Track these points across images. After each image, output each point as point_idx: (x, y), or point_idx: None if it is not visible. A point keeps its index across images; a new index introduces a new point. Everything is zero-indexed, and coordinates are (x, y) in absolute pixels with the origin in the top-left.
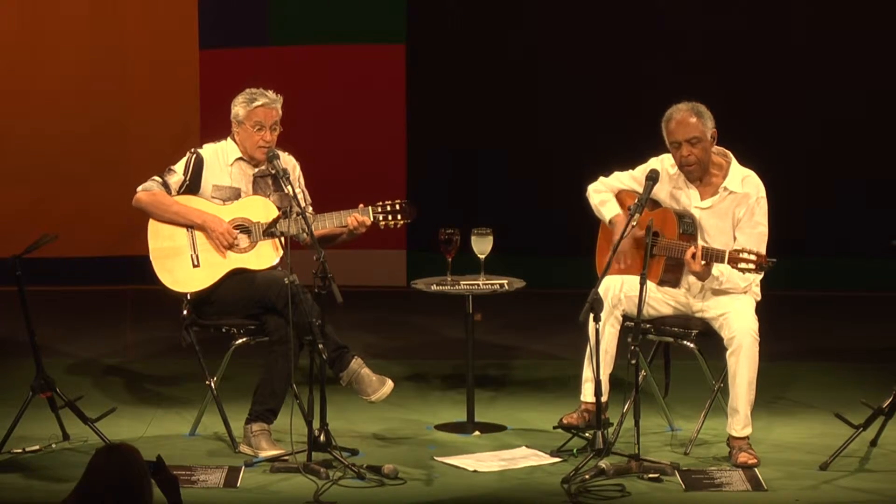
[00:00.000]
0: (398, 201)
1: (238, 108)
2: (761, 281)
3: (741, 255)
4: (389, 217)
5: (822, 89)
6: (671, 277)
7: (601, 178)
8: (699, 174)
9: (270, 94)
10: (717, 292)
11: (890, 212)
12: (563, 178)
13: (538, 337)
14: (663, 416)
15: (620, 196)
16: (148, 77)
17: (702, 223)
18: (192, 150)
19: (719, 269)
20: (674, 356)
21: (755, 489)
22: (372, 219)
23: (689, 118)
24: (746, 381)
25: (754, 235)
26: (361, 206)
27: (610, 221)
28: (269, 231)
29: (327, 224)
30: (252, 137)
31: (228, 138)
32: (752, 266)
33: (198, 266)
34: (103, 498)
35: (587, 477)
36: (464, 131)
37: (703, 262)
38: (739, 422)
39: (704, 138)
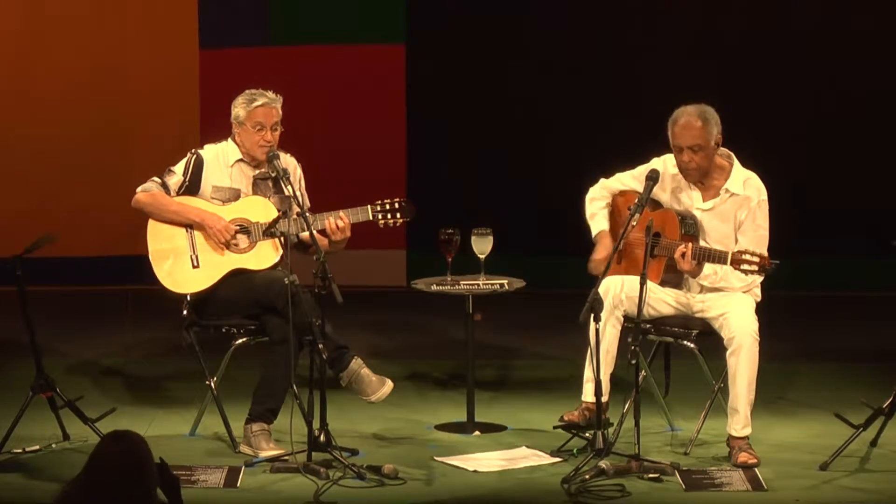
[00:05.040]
0: (397, 200)
1: (238, 109)
2: (762, 281)
3: (744, 257)
4: (389, 216)
5: (823, 89)
6: (673, 277)
7: (602, 181)
8: (699, 179)
9: (270, 94)
10: (717, 290)
11: (890, 212)
12: (563, 178)
13: (538, 337)
14: (663, 416)
15: (618, 199)
16: (148, 77)
17: (703, 225)
18: (193, 150)
19: (713, 268)
20: (674, 356)
21: (755, 489)
22: (371, 218)
23: (694, 124)
24: (746, 380)
25: (755, 238)
26: (351, 210)
27: (594, 238)
28: (269, 231)
29: (321, 225)
30: (253, 137)
31: (229, 139)
32: (754, 268)
33: (197, 267)
34: (109, 482)
35: (587, 477)
36: (464, 131)
37: (694, 262)
38: (739, 421)
39: (707, 146)
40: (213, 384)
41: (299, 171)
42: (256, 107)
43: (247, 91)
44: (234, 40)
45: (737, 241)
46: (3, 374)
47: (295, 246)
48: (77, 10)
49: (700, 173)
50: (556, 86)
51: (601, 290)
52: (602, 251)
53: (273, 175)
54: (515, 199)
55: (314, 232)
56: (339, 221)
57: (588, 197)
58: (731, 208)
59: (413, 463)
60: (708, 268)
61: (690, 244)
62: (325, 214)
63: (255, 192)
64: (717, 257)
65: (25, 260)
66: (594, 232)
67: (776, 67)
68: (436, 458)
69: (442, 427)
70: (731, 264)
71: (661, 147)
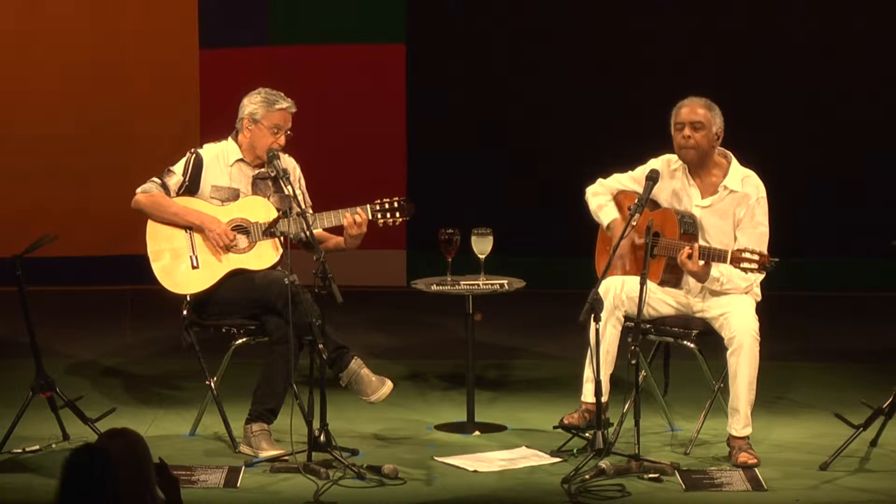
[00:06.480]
0: (396, 199)
1: (256, 107)
2: (761, 281)
3: (744, 255)
4: (388, 215)
5: (823, 89)
6: (672, 277)
7: (600, 180)
8: (696, 163)
9: (285, 97)
10: (718, 292)
11: (890, 212)
12: (563, 178)
13: (538, 337)
14: (663, 416)
15: (618, 198)
16: (148, 77)
17: (702, 223)
18: (192, 150)
19: (719, 270)
20: (674, 356)
21: (755, 489)
22: (371, 217)
23: (699, 106)
24: (747, 380)
25: (755, 235)
26: (359, 208)
27: (608, 226)
28: (269, 231)
29: (326, 223)
30: (266, 139)
31: (230, 138)
32: (754, 266)
33: (197, 267)
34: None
35: (587, 477)
36: (464, 131)
37: (701, 262)
38: (739, 421)
39: (708, 128)
40: (213, 384)
41: (298, 170)
42: (278, 110)
43: (263, 90)
44: (234, 40)
45: (736, 238)
46: (3, 374)
47: (302, 244)
48: (77, 9)
49: (698, 155)
50: (556, 86)
51: (601, 290)
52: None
53: (273, 175)
54: (515, 199)
55: (314, 232)
56: (356, 217)
57: (590, 191)
58: (730, 206)
59: (413, 463)
60: (713, 271)
61: (697, 245)
62: (325, 214)
63: (254, 192)
64: (718, 256)
65: (25, 260)
66: (606, 222)
67: (776, 68)
68: (436, 458)
69: (442, 427)
70: (731, 262)
71: (661, 147)
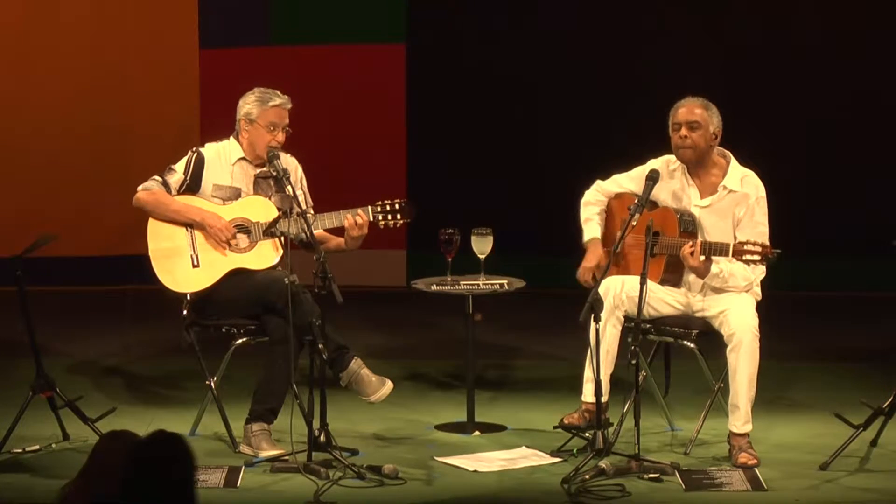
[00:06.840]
0: (397, 201)
1: (251, 107)
2: (762, 280)
3: (745, 247)
4: (389, 217)
5: (822, 89)
6: (672, 277)
7: (598, 183)
8: (694, 163)
9: (281, 94)
10: (718, 290)
11: (890, 212)
12: (563, 178)
13: (538, 337)
14: (663, 416)
15: (613, 204)
16: (148, 77)
17: (701, 222)
18: (194, 149)
19: (719, 266)
20: (674, 356)
21: (755, 489)
22: (371, 218)
23: (696, 105)
24: (746, 377)
25: (754, 234)
26: (360, 209)
27: (585, 244)
28: (270, 231)
29: (327, 224)
30: (264, 137)
31: (231, 138)
32: (756, 257)
33: (197, 266)
34: (108, 480)
35: (587, 477)
36: (464, 131)
37: (701, 258)
38: (740, 418)
39: (705, 128)
40: (213, 384)
41: (300, 170)
42: (272, 106)
43: (257, 89)
44: (234, 40)
45: (735, 238)
46: (3, 374)
47: (302, 245)
48: (77, 10)
49: (695, 155)
50: (556, 86)
51: (601, 290)
52: (592, 259)
53: (274, 174)
54: (515, 199)
55: (314, 232)
56: (357, 218)
57: (583, 200)
58: (729, 205)
59: (413, 463)
60: (713, 267)
61: (698, 240)
62: (326, 215)
63: (256, 191)
64: (719, 250)
65: (25, 260)
66: (586, 238)
67: (776, 68)
68: (436, 458)
69: (442, 427)
70: (733, 255)
71: (661, 148)
